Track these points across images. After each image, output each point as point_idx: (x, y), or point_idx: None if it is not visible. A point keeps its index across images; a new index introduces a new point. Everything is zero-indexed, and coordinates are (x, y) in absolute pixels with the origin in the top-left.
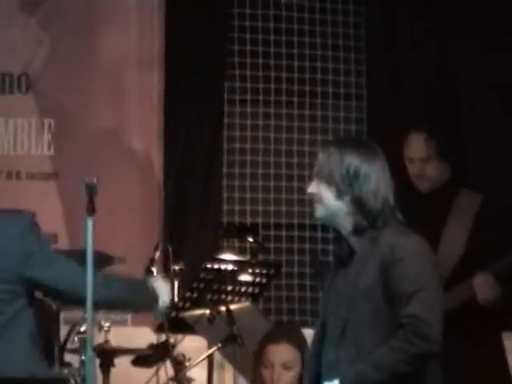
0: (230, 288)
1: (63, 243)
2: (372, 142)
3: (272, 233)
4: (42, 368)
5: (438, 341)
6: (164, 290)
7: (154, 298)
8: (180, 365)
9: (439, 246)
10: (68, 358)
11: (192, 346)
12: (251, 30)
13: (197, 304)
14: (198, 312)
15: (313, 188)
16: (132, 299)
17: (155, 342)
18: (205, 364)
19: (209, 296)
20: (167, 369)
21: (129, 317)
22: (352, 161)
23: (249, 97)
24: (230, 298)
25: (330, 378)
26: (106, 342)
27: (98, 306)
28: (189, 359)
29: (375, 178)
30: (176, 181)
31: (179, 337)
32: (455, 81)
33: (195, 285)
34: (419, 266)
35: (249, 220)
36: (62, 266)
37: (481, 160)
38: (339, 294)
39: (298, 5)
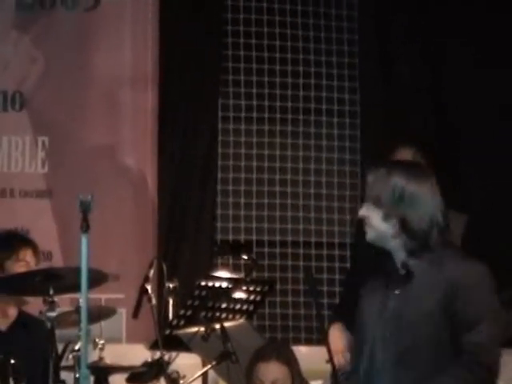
0: (224, 305)
1: (57, 261)
2: (423, 164)
3: (266, 250)
4: None
5: (498, 372)
6: None
7: None
8: (174, 382)
9: None
10: (63, 375)
11: (186, 363)
12: (245, 47)
13: (191, 321)
14: (193, 329)
15: (363, 211)
16: None
17: (150, 359)
18: (199, 382)
19: (203, 313)
20: None
21: (123, 334)
22: (398, 182)
23: (243, 114)
24: (224, 315)
25: None
26: (101, 359)
27: None
28: (183, 377)
29: (423, 199)
30: (170, 198)
31: (173, 354)
32: (450, 95)
33: (189, 302)
34: (486, 294)
35: (243, 237)
36: None
37: (471, 180)
38: (400, 317)
39: (291, 22)
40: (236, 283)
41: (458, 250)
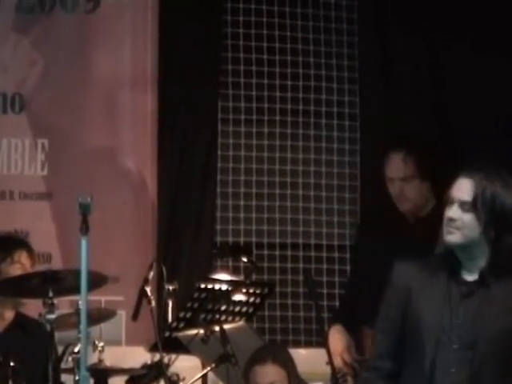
0: (223, 308)
1: (57, 263)
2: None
3: (265, 252)
4: None
5: None
6: None
7: None
8: None
9: None
10: (62, 377)
11: (186, 365)
12: (244, 49)
13: (191, 324)
14: (192, 332)
15: (455, 213)
16: None
17: (149, 361)
18: None
19: (203, 316)
20: None
21: (123, 336)
22: (498, 190)
23: (242, 116)
24: (223, 317)
25: None
26: (100, 361)
27: None
28: (183, 379)
29: None
30: (170, 200)
31: (173, 356)
32: (451, 97)
33: (189, 304)
34: None
35: (242, 239)
36: None
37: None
38: (477, 328)
39: (291, 25)
40: (235, 285)
41: None
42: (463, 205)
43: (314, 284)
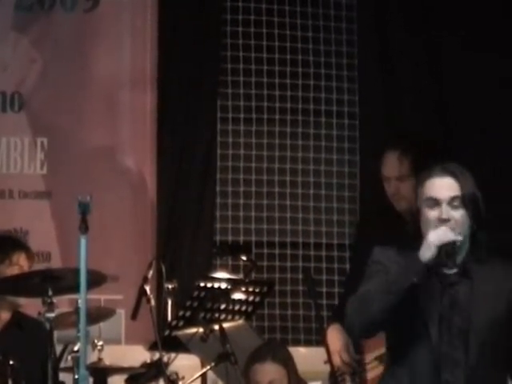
0: (223, 306)
1: (56, 262)
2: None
3: (265, 251)
4: None
5: None
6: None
7: None
8: (173, 383)
9: None
10: (62, 376)
11: (185, 364)
12: (244, 48)
13: (190, 322)
14: (192, 330)
15: (446, 213)
16: None
17: (149, 360)
18: (198, 383)
19: (202, 314)
20: None
21: (122, 335)
22: (475, 188)
23: (242, 115)
24: (223, 316)
25: None
26: (100, 360)
27: None
28: (182, 378)
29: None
30: (169, 199)
31: (172, 355)
32: (451, 94)
33: (188, 303)
34: None
35: (242, 238)
36: None
37: None
38: (468, 320)
39: (290, 23)
40: (235, 284)
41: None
42: (453, 202)
43: (314, 283)
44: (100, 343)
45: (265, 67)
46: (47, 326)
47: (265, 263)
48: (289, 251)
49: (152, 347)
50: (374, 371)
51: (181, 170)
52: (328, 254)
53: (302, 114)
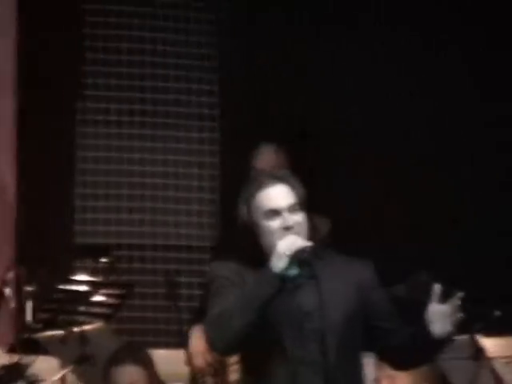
0: (83, 309)
1: None
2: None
3: (125, 253)
4: None
5: None
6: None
7: None
8: None
9: None
10: None
11: (45, 366)
12: (104, 50)
13: (50, 325)
14: (51, 333)
15: (290, 220)
16: None
17: (7, 362)
18: None
19: (62, 317)
20: None
21: None
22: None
23: (102, 117)
24: (83, 318)
25: None
26: None
27: None
28: (42, 380)
29: None
30: (29, 202)
31: (32, 357)
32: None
33: (48, 306)
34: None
35: (101, 241)
36: None
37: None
38: (320, 320)
39: (151, 26)
40: (95, 286)
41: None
42: (292, 209)
43: (175, 285)
44: None
45: (124, 69)
46: None
47: (125, 265)
48: (149, 253)
49: (11, 350)
50: (237, 373)
51: (41, 172)
52: (188, 256)
53: (163, 117)
